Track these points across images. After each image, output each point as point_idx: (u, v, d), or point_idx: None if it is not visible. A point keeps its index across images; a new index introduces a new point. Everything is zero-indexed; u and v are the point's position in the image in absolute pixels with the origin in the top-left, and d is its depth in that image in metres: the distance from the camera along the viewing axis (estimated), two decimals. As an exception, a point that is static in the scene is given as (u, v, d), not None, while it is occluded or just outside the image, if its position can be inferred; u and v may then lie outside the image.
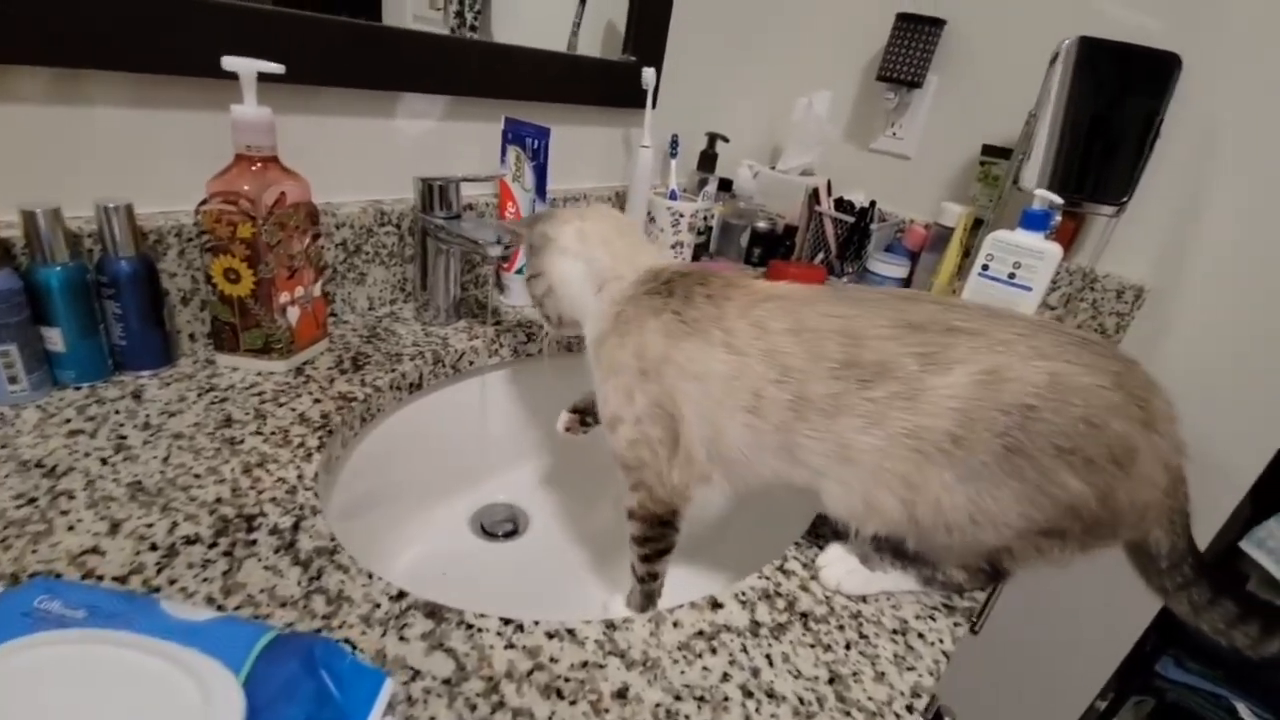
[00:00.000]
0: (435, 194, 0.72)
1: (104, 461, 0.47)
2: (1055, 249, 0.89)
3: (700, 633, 0.42)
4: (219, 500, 0.46)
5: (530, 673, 0.37)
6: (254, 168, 0.56)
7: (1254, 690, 1.17)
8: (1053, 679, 1.31)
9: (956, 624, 0.47)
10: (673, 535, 0.52)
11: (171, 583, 0.39)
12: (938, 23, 1.10)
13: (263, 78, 0.54)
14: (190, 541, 0.42)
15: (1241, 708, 1.17)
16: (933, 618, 0.47)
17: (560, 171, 0.88)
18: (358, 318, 0.75)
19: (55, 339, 0.52)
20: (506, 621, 0.40)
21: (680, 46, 1.02)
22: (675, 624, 0.43)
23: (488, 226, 0.73)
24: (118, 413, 0.52)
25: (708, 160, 1.12)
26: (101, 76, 0.54)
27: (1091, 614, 1.21)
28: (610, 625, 0.42)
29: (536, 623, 0.41)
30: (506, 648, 0.39)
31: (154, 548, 0.41)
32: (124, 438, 0.50)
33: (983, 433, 0.41)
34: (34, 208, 0.49)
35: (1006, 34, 1.10)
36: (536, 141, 0.77)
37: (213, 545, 0.42)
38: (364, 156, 0.73)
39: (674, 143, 1.05)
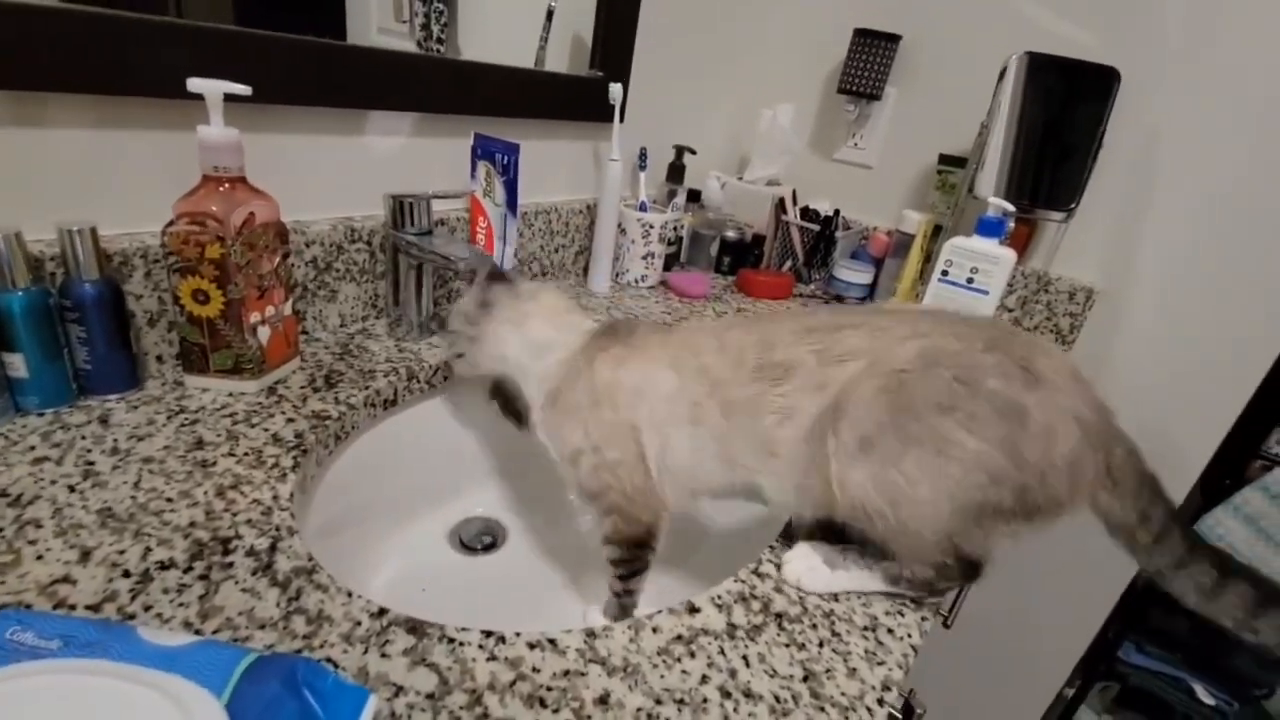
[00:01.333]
0: (406, 211, 0.72)
1: (72, 489, 0.46)
2: (1009, 254, 0.93)
3: (679, 637, 0.43)
4: (193, 524, 0.45)
5: (513, 683, 0.38)
6: (222, 188, 0.55)
7: (1210, 672, 1.22)
8: (1022, 669, 1.35)
9: (924, 618, 0.49)
10: (648, 556, 0.54)
11: (147, 609, 0.38)
12: (894, 38, 1.14)
13: (229, 97, 0.54)
14: (165, 567, 0.41)
15: (1199, 688, 1.22)
16: (901, 613, 0.49)
17: (531, 185, 0.89)
18: (329, 335, 0.75)
19: (17, 365, 0.51)
20: (488, 634, 0.41)
21: (646, 61, 1.04)
22: (655, 629, 0.44)
23: (459, 243, 0.74)
24: (84, 438, 0.52)
25: (676, 172, 1.14)
26: (63, 99, 0.53)
27: (1057, 605, 1.25)
28: (591, 634, 0.42)
29: (518, 634, 0.41)
30: (489, 660, 0.39)
31: (127, 574, 0.40)
32: (92, 463, 0.49)
33: (868, 405, 0.45)
34: (-6, 232, 0.48)
35: (958, 49, 1.14)
36: (506, 157, 0.78)
37: (188, 570, 0.42)
38: (333, 174, 0.73)
39: (642, 155, 1.07)
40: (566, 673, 0.39)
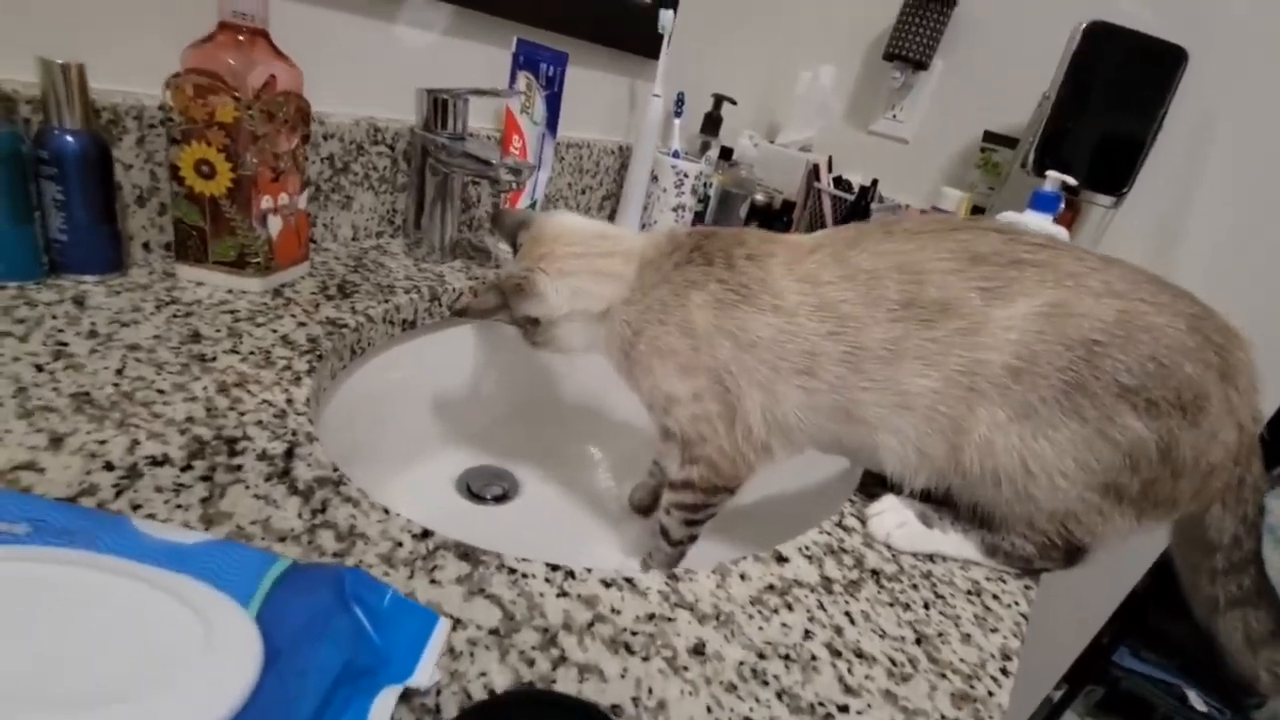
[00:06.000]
0: (439, 110, 0.64)
1: (39, 368, 0.38)
2: (1063, 232, 0.89)
3: (771, 587, 0.37)
4: (190, 419, 0.37)
5: (591, 624, 0.31)
6: (240, 38, 0.47)
7: (1207, 680, 1.21)
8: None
9: (1028, 586, 0.44)
10: (726, 500, 0.47)
11: (136, 508, 0.30)
12: (950, 2, 1.09)
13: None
14: (157, 463, 0.33)
15: (1192, 695, 1.21)
16: (1003, 580, 0.44)
17: (563, 116, 0.81)
18: (340, 246, 0.67)
19: (-24, 222, 0.42)
20: (554, 568, 0.34)
21: (689, 0, 0.97)
22: (742, 576, 0.37)
23: (494, 150, 0.66)
24: (55, 318, 0.43)
25: (712, 123, 1.07)
26: (53, -93, 0.44)
27: (1057, 606, 1.23)
28: (672, 577, 0.36)
29: (589, 570, 0.34)
30: (559, 596, 0.32)
31: (109, 467, 0.32)
32: (65, 344, 0.40)
33: (1044, 366, 0.39)
34: (-43, 50, 0.39)
35: (1014, 21, 1.09)
36: (552, 68, 0.70)
37: (186, 468, 0.34)
38: (359, 61, 0.64)
39: (679, 100, 0.99)
40: (651, 616, 0.33)
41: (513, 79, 0.73)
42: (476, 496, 0.69)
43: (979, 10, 1.11)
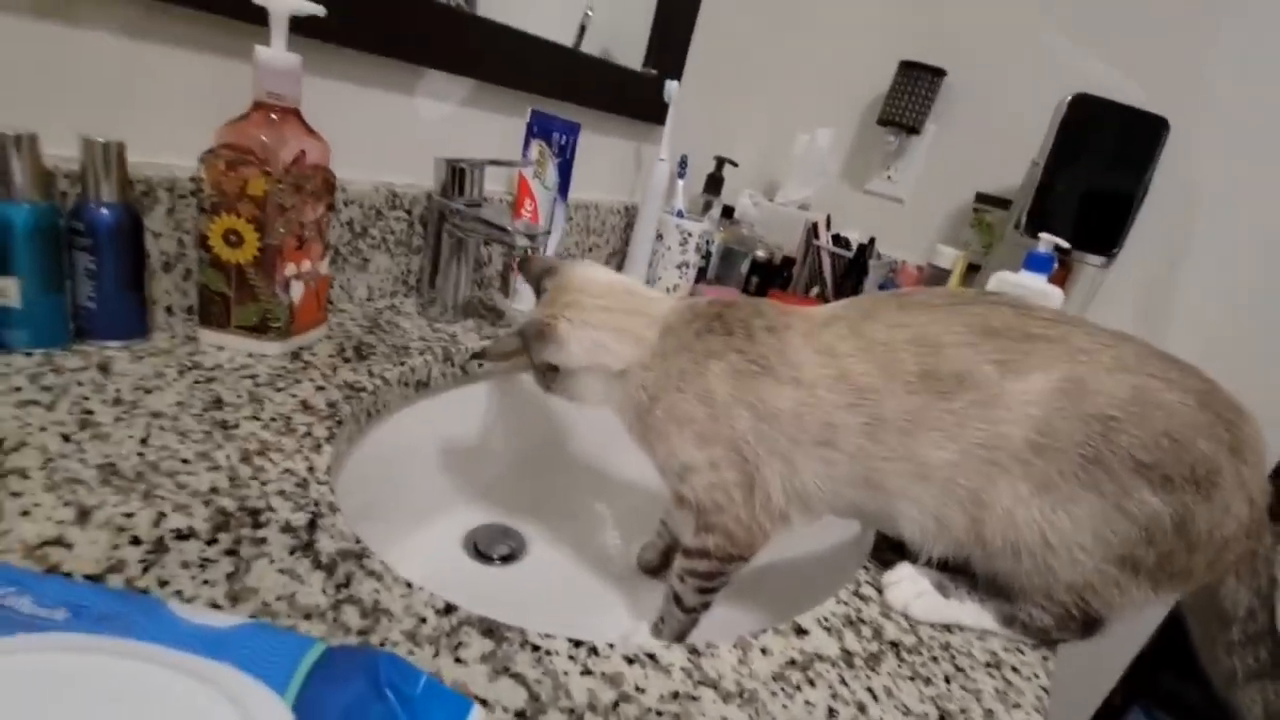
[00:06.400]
0: (457, 178, 0.66)
1: (66, 438, 0.38)
2: (1057, 292, 0.92)
3: (792, 662, 0.37)
4: (215, 490, 0.37)
5: (616, 704, 0.31)
6: (273, 116, 0.49)
7: (1222, 742, 1.18)
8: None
9: (1045, 658, 0.43)
10: (741, 567, 0.46)
11: (163, 584, 0.30)
12: (939, 72, 1.14)
13: (294, 21, 0.48)
14: (183, 536, 0.34)
15: (1210, 760, 1.17)
16: (1021, 651, 0.43)
17: (575, 176, 0.84)
18: (355, 307, 0.68)
19: (9, 291, 0.43)
20: (577, 643, 0.34)
21: (692, 69, 1.01)
22: (764, 651, 0.37)
23: (509, 217, 0.68)
24: (81, 384, 0.44)
25: (714, 183, 1.11)
26: (103, -4, 0.46)
27: (1064, 669, 1.21)
28: (694, 651, 0.36)
29: (611, 645, 0.34)
30: (583, 674, 0.32)
31: (136, 541, 0.32)
32: (90, 412, 0.41)
33: (1064, 441, 0.39)
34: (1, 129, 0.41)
35: (1002, 89, 1.15)
36: (565, 137, 0.73)
37: (212, 542, 0.34)
38: (380, 132, 0.67)
39: (683, 163, 1.03)
40: (676, 695, 0.33)
41: (526, 146, 0.76)
42: (484, 556, 0.69)
43: (967, 80, 1.17)
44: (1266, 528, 0.43)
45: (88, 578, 0.30)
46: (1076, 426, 0.39)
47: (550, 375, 0.51)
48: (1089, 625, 0.44)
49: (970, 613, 0.44)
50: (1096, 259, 1.02)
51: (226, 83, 0.52)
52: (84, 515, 0.33)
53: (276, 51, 0.48)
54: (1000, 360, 0.41)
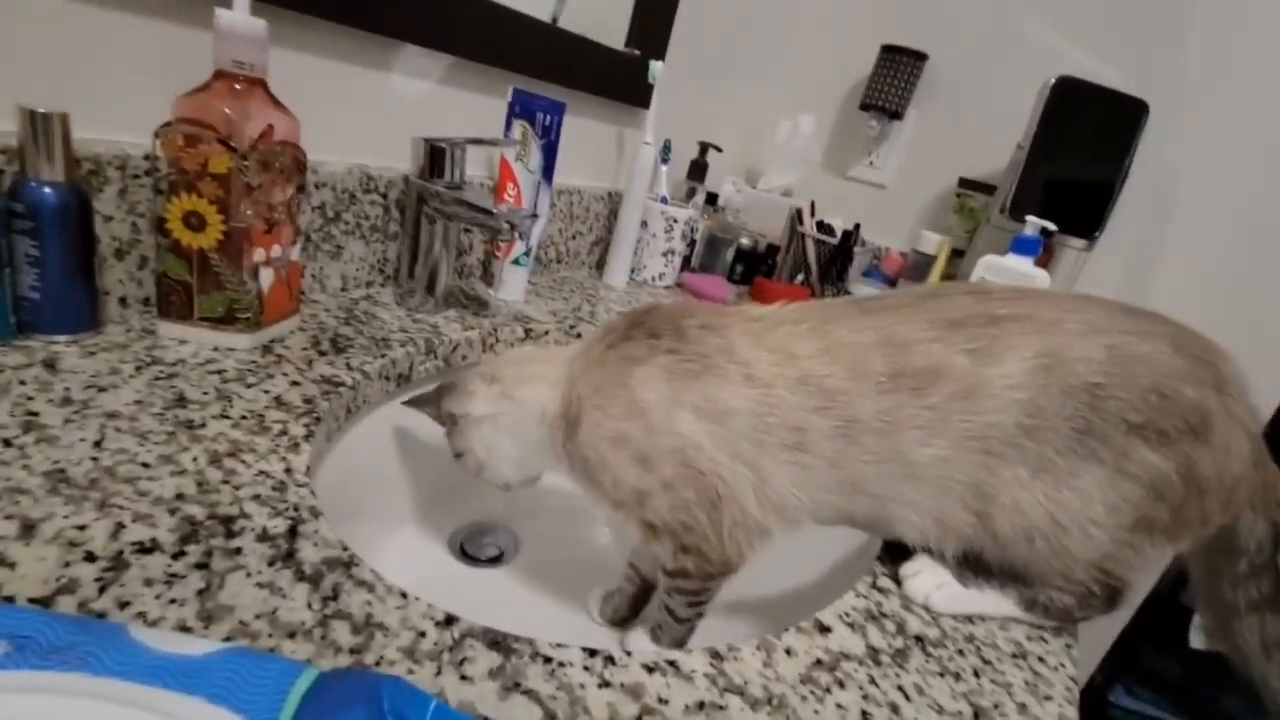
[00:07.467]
0: (436, 159, 0.62)
1: (7, 443, 0.34)
2: (1044, 275, 0.91)
3: (819, 662, 0.35)
4: (180, 496, 0.34)
5: (639, 719, 0.28)
6: (237, 87, 0.45)
7: (1200, 716, 1.21)
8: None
9: (1069, 645, 0.42)
10: (724, 584, 0.43)
11: (123, 606, 0.27)
12: (921, 56, 1.13)
13: (259, -18, 0.44)
14: (145, 549, 0.30)
15: (1187, 732, 1.20)
16: (1044, 639, 0.42)
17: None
18: (329, 298, 0.64)
19: (-61, 280, 0.39)
20: (591, 652, 0.31)
21: (675, 52, 0.98)
22: (788, 651, 0.35)
23: (490, 199, 0.64)
24: (23, 383, 0.39)
25: (698, 170, 1.08)
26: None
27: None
28: (716, 655, 0.33)
29: (629, 653, 0.32)
30: (600, 686, 0.30)
31: (91, 557, 0.29)
32: (35, 414, 0.37)
33: (1053, 418, 0.38)
34: (-71, 98, 0.36)
35: (984, 73, 1.15)
36: (549, 117, 0.70)
37: (179, 555, 0.30)
38: (354, 110, 0.63)
39: (666, 148, 1.00)
40: (701, 705, 0.30)
41: (508, 127, 0.72)
42: (470, 558, 0.65)
43: (948, 65, 1.16)
44: (1266, 456, 0.43)
45: (33, 602, 0.26)
46: (1063, 401, 0.38)
47: (452, 428, 0.48)
48: (1111, 598, 0.43)
49: (991, 601, 0.43)
50: (1079, 242, 1.03)
51: (184, 50, 0.47)
52: (28, 529, 0.29)
53: (240, 15, 0.44)
54: (971, 349, 0.39)
